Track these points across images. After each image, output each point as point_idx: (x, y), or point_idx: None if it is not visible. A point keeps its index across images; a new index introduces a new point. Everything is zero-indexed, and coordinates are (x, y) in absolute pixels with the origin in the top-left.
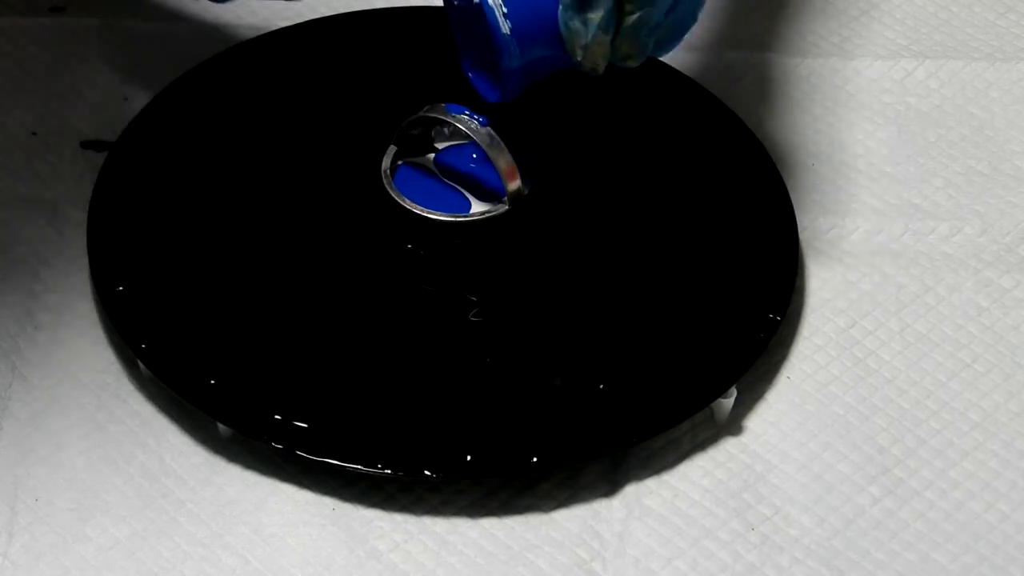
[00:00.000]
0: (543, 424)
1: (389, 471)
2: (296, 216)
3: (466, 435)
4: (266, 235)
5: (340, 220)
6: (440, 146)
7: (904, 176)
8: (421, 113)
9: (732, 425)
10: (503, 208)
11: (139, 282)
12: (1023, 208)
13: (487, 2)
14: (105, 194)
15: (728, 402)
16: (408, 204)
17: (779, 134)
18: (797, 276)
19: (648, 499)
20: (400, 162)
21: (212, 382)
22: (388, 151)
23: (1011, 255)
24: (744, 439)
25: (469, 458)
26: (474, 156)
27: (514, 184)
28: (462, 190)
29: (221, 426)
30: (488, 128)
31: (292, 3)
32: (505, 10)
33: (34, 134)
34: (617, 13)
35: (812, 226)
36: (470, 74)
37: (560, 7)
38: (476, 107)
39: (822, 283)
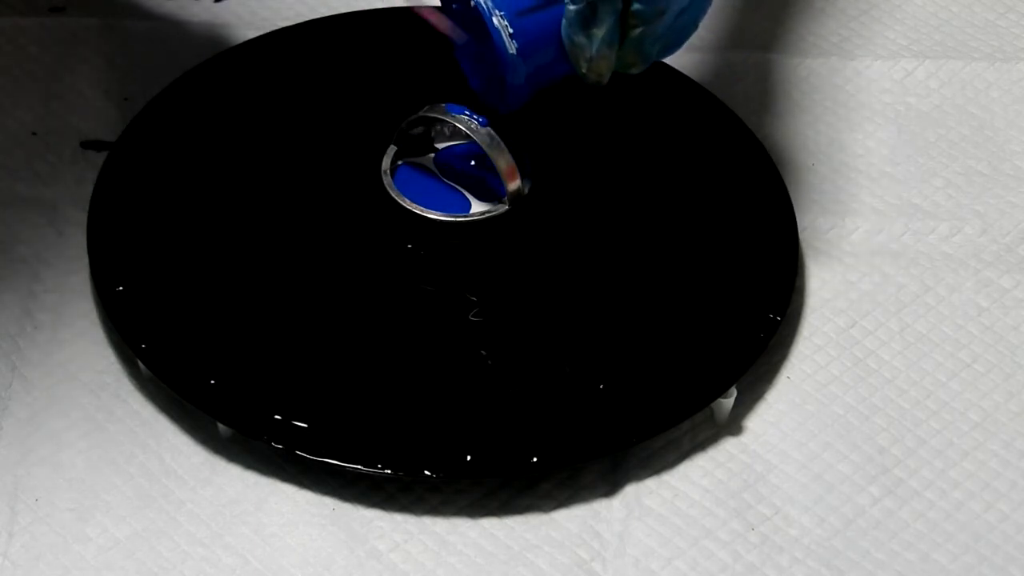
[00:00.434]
0: (543, 424)
1: (389, 471)
2: (296, 216)
3: (466, 435)
4: (266, 235)
5: (340, 220)
6: (440, 146)
7: (904, 176)
8: (421, 113)
9: (732, 425)
10: (503, 208)
11: (139, 282)
12: (1023, 208)
13: (492, 23)
14: (105, 194)
15: (728, 402)
16: (408, 204)
17: (779, 134)
18: (797, 276)
19: (648, 499)
20: (400, 162)
21: (212, 382)
22: (388, 151)
23: (1011, 255)
24: (744, 439)
25: (469, 458)
26: (474, 156)
27: (514, 184)
28: (462, 190)
29: (221, 426)
30: (488, 128)
31: (292, 3)
32: (511, 31)
33: (34, 134)
34: (621, 27)
35: (812, 226)
36: (474, 83)
37: (564, 23)
38: (476, 107)
39: (822, 283)
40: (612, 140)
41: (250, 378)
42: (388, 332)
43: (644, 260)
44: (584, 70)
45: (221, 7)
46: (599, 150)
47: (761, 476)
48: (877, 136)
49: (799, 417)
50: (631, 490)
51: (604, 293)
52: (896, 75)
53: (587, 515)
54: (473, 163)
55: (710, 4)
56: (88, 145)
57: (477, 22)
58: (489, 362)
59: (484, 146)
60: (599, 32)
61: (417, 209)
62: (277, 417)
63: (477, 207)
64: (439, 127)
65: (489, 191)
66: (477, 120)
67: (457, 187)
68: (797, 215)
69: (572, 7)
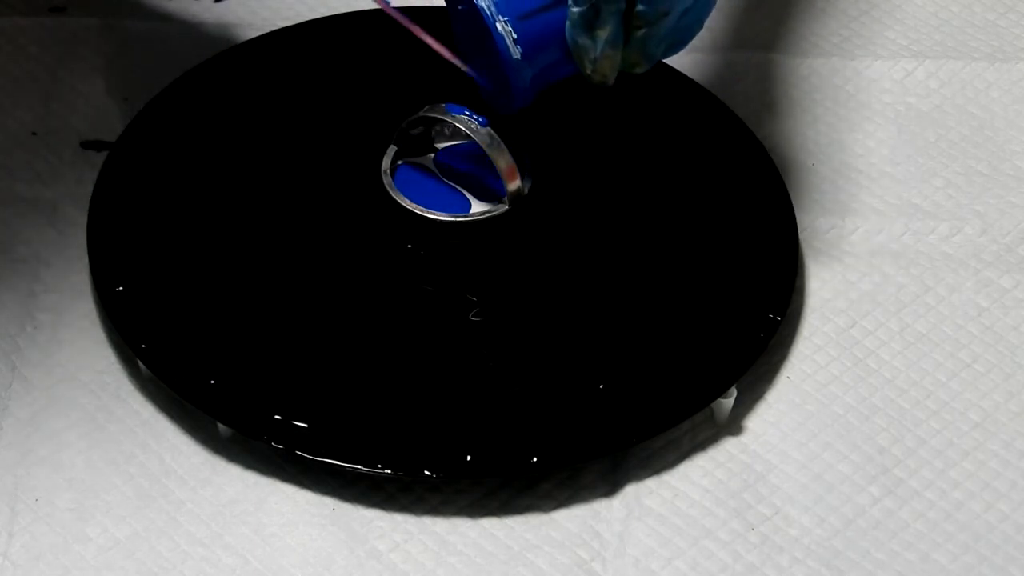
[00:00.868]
0: (543, 424)
1: (389, 471)
2: (296, 216)
3: (466, 435)
4: (266, 235)
5: (340, 220)
6: (440, 146)
7: (904, 176)
8: (421, 113)
9: (732, 425)
10: (503, 208)
11: (139, 282)
12: (1023, 208)
13: (496, 29)
14: (105, 194)
15: (728, 402)
16: (408, 204)
17: (779, 134)
18: (797, 276)
19: (648, 499)
20: (400, 162)
21: (212, 382)
22: (388, 151)
23: (1011, 255)
24: (744, 439)
25: (469, 458)
26: (474, 156)
27: (514, 184)
28: (462, 190)
29: (221, 426)
30: (488, 128)
31: (292, 3)
32: (515, 36)
33: (34, 134)
34: (624, 27)
35: (812, 226)
36: (479, 81)
37: (567, 25)
38: (476, 107)
39: (822, 283)
40: (612, 140)
41: (250, 378)
42: (388, 332)
43: (644, 260)
44: (588, 71)
45: (221, 7)
46: (599, 150)
47: (761, 476)
48: (877, 136)
49: (799, 417)
50: (631, 490)
51: (604, 293)
52: (896, 75)
53: (587, 515)
54: (473, 163)
55: (714, 3)
56: (88, 145)
57: (481, 25)
58: (489, 362)
59: (484, 146)
60: (603, 33)
61: (417, 209)
62: (277, 417)
63: (477, 207)
64: (439, 127)
65: (489, 191)
66: (477, 120)
67: (457, 187)
68: (797, 215)
69: (575, 9)
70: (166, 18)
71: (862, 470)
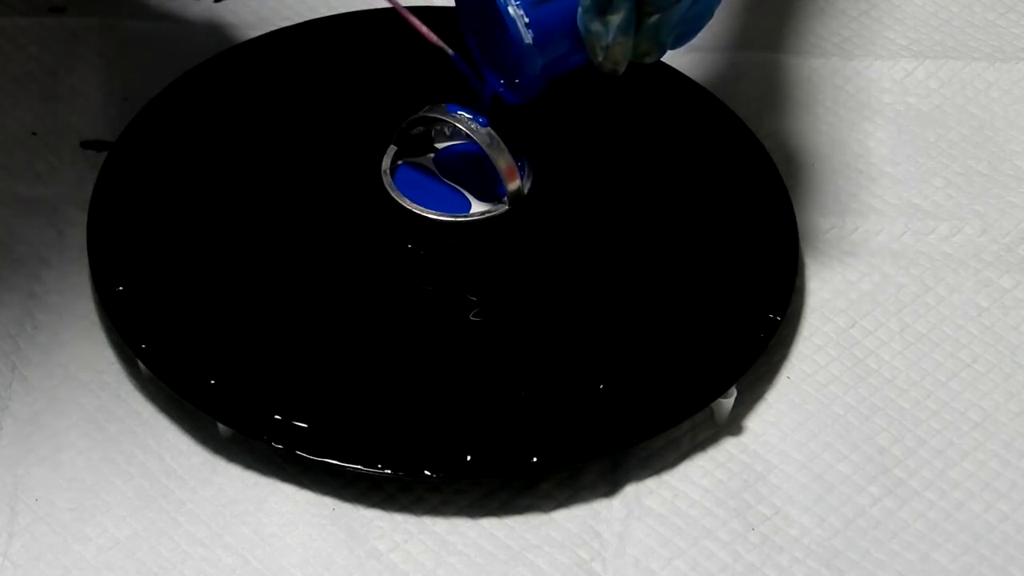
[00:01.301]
0: (543, 424)
1: (389, 471)
2: (296, 216)
3: (466, 435)
4: (266, 235)
5: (340, 220)
6: (440, 146)
7: (904, 176)
8: (421, 113)
9: (732, 425)
10: (503, 208)
11: (139, 282)
12: (1023, 208)
13: (508, 13)
14: (105, 194)
15: (728, 402)
16: (408, 204)
17: (779, 134)
18: (797, 276)
19: (648, 499)
20: (400, 162)
21: (212, 382)
22: (388, 151)
23: (1011, 255)
24: (744, 439)
25: (469, 458)
26: (474, 156)
27: (514, 184)
28: (462, 190)
29: (221, 426)
30: (488, 128)
31: (292, 3)
32: (527, 20)
33: (34, 134)
34: (636, 14)
35: (812, 226)
36: (486, 73)
37: (580, 10)
38: (476, 107)
39: (822, 283)
40: (612, 140)
41: (250, 378)
42: (388, 332)
43: (644, 260)
44: (600, 58)
45: (221, 7)
46: (599, 150)
47: (761, 476)
48: (877, 136)
49: (799, 417)
50: (631, 490)
51: (604, 293)
52: (896, 75)
53: (587, 515)
54: (473, 163)
55: None
56: (88, 145)
57: (493, 11)
58: (489, 362)
59: (484, 146)
60: (615, 19)
61: (417, 209)
62: (277, 417)
63: (477, 207)
64: (439, 127)
65: (489, 191)
66: (477, 120)
67: (457, 187)
68: (797, 215)
69: None
70: (166, 18)
71: (862, 470)
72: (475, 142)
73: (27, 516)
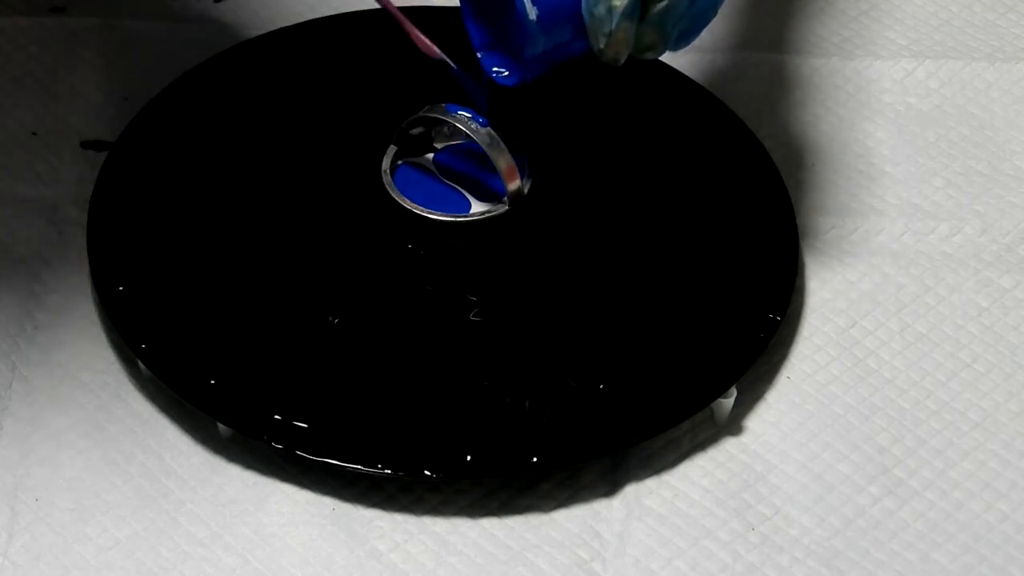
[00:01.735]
0: (543, 424)
1: (389, 471)
2: (296, 216)
3: (466, 435)
4: (266, 235)
5: (340, 220)
6: (440, 146)
7: (904, 176)
8: (421, 113)
9: (732, 425)
10: (503, 208)
11: (139, 282)
12: (1023, 208)
13: None
14: (105, 194)
15: (728, 402)
16: (408, 204)
17: (779, 134)
18: (797, 276)
19: (648, 499)
20: (400, 162)
21: (212, 382)
22: (388, 151)
23: (1011, 255)
24: (744, 439)
25: (469, 458)
26: (474, 156)
27: (514, 184)
28: (462, 190)
29: (221, 426)
30: (488, 128)
31: (292, 3)
32: None
33: (34, 134)
34: (642, 2)
35: (812, 226)
36: (480, 54)
37: None
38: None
39: (822, 283)
40: (612, 140)
41: (250, 378)
42: (388, 332)
43: (644, 260)
44: (601, 45)
45: (221, 7)
46: (599, 150)
47: (761, 476)
48: (877, 136)
49: (799, 417)
50: (631, 490)
51: (604, 293)
52: (896, 75)
53: (587, 515)
54: (473, 163)
55: None
56: (88, 145)
57: None
58: (489, 362)
59: (484, 146)
60: (620, 4)
61: (417, 209)
62: (277, 417)
63: (477, 207)
64: (439, 127)
65: (489, 191)
66: (477, 120)
67: (457, 187)
68: (797, 215)
69: None
70: (166, 18)
71: (862, 470)
72: (475, 142)
73: (27, 516)
